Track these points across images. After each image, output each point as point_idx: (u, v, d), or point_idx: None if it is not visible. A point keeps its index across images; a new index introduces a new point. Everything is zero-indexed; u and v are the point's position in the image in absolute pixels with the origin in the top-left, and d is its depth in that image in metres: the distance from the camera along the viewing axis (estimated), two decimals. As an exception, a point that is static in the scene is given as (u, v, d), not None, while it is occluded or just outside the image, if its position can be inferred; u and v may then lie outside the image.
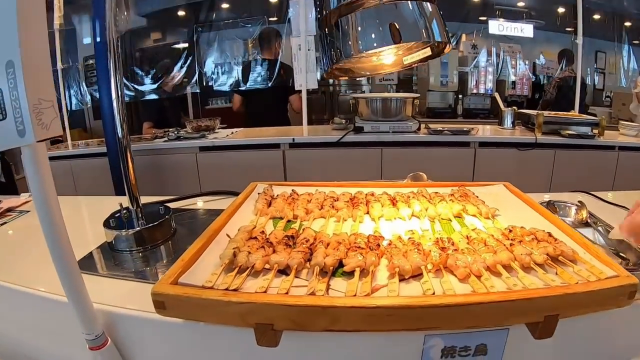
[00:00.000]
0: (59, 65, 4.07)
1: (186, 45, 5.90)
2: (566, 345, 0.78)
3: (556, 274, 0.74)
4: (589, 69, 6.26)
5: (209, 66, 5.90)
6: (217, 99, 6.57)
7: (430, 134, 3.24)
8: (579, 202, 1.35)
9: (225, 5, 6.01)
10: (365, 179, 1.42)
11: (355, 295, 0.68)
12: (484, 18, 5.99)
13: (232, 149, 3.28)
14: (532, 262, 0.77)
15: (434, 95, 6.63)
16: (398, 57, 1.02)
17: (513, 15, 6.01)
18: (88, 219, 1.44)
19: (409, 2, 0.82)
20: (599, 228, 1.25)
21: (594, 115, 3.89)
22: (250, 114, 4.13)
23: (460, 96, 6.63)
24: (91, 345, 0.72)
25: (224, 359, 0.79)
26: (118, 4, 1.00)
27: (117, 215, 1.10)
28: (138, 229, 1.06)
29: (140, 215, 1.09)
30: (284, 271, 0.77)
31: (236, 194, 1.44)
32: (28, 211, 1.41)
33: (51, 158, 3.12)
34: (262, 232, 0.91)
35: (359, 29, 0.84)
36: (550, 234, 0.87)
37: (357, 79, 6.16)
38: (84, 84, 5.74)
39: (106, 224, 1.07)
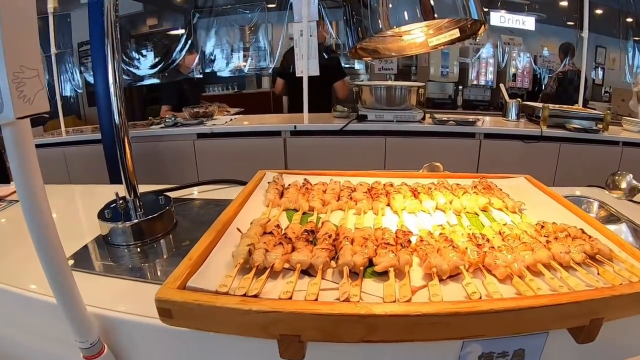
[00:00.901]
0: (53, 51, 3.92)
1: (183, 31, 5.79)
2: (602, 347, 0.72)
3: (598, 273, 0.71)
4: (592, 64, 6.24)
5: (208, 52, 5.81)
6: (215, 86, 6.49)
7: (435, 124, 3.17)
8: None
9: (223, -9, 5.90)
10: (368, 167, 1.35)
11: (395, 301, 0.59)
12: (486, 9, 5.91)
13: (231, 136, 3.18)
14: (572, 261, 0.73)
15: (433, 86, 6.61)
16: (426, 37, 0.93)
17: (515, 7, 5.96)
18: (82, 209, 1.35)
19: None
20: (624, 224, 1.20)
21: (594, 109, 3.86)
22: (292, 98, 4.02)
23: (460, 87, 6.63)
24: (86, 354, 0.63)
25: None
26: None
27: (112, 205, 1.01)
28: (136, 220, 0.96)
29: (138, 206, 1.00)
30: (306, 271, 0.69)
31: (241, 182, 1.37)
32: (17, 201, 1.31)
33: (44, 145, 3.07)
34: (278, 225, 0.82)
35: (389, 3, 0.75)
36: (583, 231, 0.84)
37: (371, 62, 6.08)
38: (77, 69, 5.64)
39: (101, 216, 0.97)
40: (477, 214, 0.99)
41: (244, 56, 6.12)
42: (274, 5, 5.82)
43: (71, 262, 0.86)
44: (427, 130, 3.16)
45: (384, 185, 1.12)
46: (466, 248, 0.74)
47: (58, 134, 3.41)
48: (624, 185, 1.35)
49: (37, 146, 0.52)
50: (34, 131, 0.55)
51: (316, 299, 0.59)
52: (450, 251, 0.72)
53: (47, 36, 3.77)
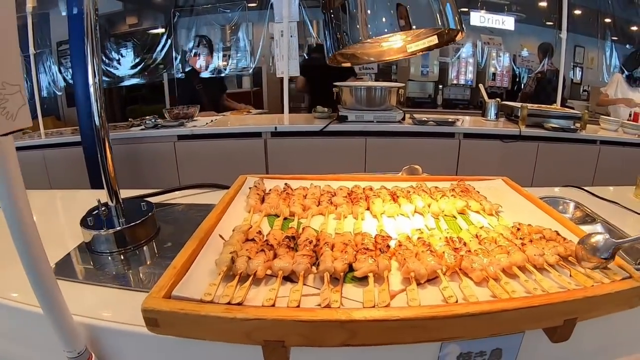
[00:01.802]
0: (31, 51, 3.84)
1: (163, 30, 5.73)
2: (576, 346, 0.76)
3: (570, 275, 0.73)
4: (570, 64, 6.34)
5: (188, 48, 5.76)
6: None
7: (415, 124, 3.20)
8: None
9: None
10: (349, 168, 1.37)
11: (374, 306, 0.61)
12: (466, 9, 5.98)
13: (212, 138, 3.15)
14: (545, 263, 0.76)
15: (413, 85, 6.67)
16: (405, 43, 0.95)
17: (495, 7, 6.04)
18: (63, 215, 1.34)
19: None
20: (599, 224, 1.24)
21: (572, 108, 3.93)
22: (312, 95, 4.10)
23: (440, 86, 6.69)
24: (73, 363, 0.64)
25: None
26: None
27: (94, 212, 1.01)
28: (119, 228, 0.96)
29: (120, 213, 1.00)
30: (288, 277, 0.70)
31: (222, 187, 1.37)
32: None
33: (23, 148, 3.00)
34: (259, 232, 0.83)
35: (369, 12, 0.77)
36: (558, 233, 0.86)
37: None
38: (57, 69, 5.54)
39: (83, 223, 0.97)
40: (455, 216, 1.01)
41: (224, 55, 6.08)
42: (254, 5, 5.79)
43: (55, 270, 0.86)
44: (407, 130, 3.19)
45: (364, 189, 1.14)
46: (443, 252, 0.76)
47: (38, 136, 3.34)
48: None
49: (17, 149, 0.52)
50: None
51: (298, 306, 0.60)
52: (428, 255, 0.74)
53: (26, 36, 3.70)
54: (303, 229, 0.87)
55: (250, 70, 6.15)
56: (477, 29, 6.14)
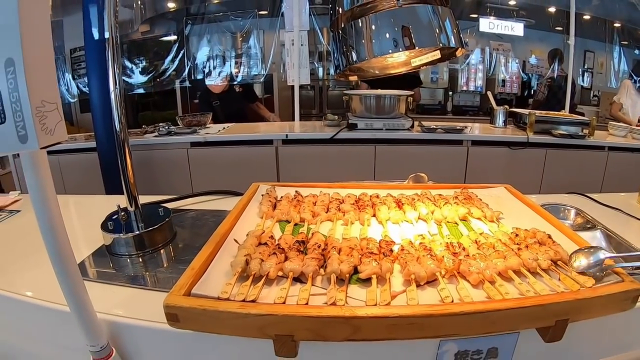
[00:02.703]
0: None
1: (175, 37, 5.82)
2: (570, 346, 0.79)
3: (559, 279, 0.77)
4: (579, 70, 6.32)
5: (200, 60, 5.83)
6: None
7: (423, 131, 3.22)
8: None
9: (216, -1, 5.94)
10: (358, 176, 1.40)
11: (376, 305, 0.67)
12: (475, 16, 5.99)
13: (224, 145, 3.20)
14: (538, 267, 0.79)
15: (423, 92, 6.63)
16: (408, 57, 1.01)
17: (504, 13, 6.02)
18: (81, 220, 1.39)
19: (426, 5, 0.80)
20: (599, 231, 1.26)
21: (582, 114, 3.92)
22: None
23: (450, 93, 6.70)
24: (96, 357, 0.70)
25: (240, 372, 0.77)
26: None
27: (114, 217, 1.06)
28: (138, 232, 1.02)
29: (139, 217, 1.05)
30: (298, 278, 0.76)
31: (236, 193, 1.42)
32: (19, 211, 1.36)
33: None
34: (272, 236, 0.89)
35: (374, 32, 0.82)
36: (549, 236, 0.90)
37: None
38: (70, 75, 5.63)
39: (104, 227, 1.03)
40: (457, 223, 1.06)
41: (236, 63, 6.14)
42: (265, 12, 5.85)
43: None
44: (416, 138, 3.20)
45: (370, 196, 1.19)
46: (443, 256, 0.81)
47: (54, 141, 3.38)
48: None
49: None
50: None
51: (307, 303, 0.66)
52: (428, 259, 0.78)
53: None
54: (312, 234, 0.93)
55: (262, 78, 6.21)
56: (486, 35, 6.13)
